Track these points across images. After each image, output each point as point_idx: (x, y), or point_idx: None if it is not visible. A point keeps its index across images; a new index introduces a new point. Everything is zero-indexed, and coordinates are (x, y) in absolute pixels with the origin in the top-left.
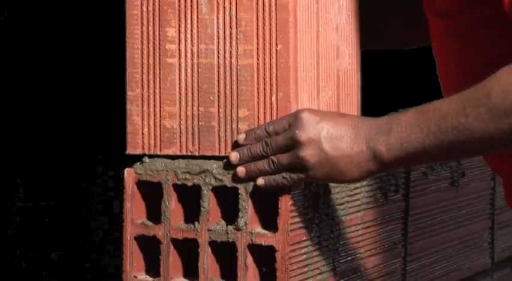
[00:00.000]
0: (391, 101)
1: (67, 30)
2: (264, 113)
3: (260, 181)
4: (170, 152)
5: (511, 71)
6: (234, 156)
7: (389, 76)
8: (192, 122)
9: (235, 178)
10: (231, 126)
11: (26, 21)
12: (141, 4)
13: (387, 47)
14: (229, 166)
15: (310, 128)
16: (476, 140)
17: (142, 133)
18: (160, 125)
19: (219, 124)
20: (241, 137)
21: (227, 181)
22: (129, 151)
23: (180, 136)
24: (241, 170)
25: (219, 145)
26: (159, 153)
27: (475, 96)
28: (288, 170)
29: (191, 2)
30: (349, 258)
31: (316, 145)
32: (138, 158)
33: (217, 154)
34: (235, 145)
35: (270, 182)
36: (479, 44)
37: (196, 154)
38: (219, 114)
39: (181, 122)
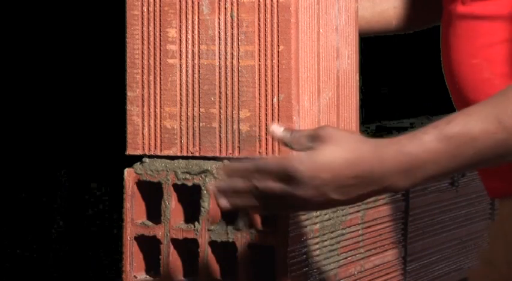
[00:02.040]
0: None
1: (67, 31)
2: (266, 114)
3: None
4: (170, 153)
5: None
6: (215, 191)
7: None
8: (193, 123)
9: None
10: (232, 127)
11: (26, 21)
12: (142, 4)
13: (390, 30)
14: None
15: (312, 188)
16: None
17: (143, 134)
18: (160, 125)
19: (219, 125)
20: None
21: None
22: (129, 151)
23: (181, 137)
24: (223, 203)
25: (220, 146)
26: (159, 154)
27: (507, 108)
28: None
29: (192, 2)
30: (349, 258)
31: (325, 198)
32: (137, 158)
33: (218, 155)
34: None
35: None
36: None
37: (197, 154)
38: (220, 116)
39: (181, 123)
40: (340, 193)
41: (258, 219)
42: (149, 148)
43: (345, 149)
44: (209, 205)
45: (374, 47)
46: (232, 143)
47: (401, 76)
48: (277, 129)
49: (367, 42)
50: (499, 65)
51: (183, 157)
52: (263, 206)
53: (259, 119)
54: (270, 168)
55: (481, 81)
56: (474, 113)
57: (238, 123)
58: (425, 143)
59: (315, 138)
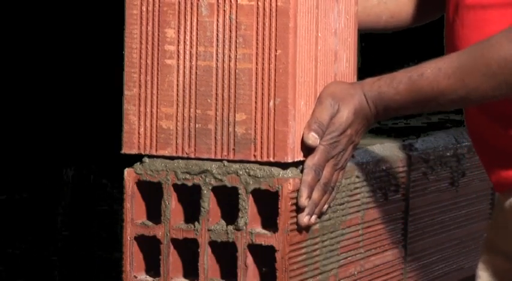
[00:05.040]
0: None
1: (66, 30)
2: (261, 117)
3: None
4: (166, 153)
5: (510, 38)
6: (307, 220)
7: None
8: (189, 124)
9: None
10: (228, 129)
11: (26, 21)
12: (141, 4)
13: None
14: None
15: (349, 132)
16: (471, 103)
17: (139, 133)
18: (156, 125)
19: (215, 127)
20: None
21: (227, 181)
22: (125, 150)
23: (177, 138)
24: (311, 219)
25: (215, 147)
26: (154, 153)
27: (473, 68)
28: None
29: (191, 4)
30: (349, 258)
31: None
32: (136, 158)
33: (213, 156)
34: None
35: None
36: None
37: (193, 156)
38: (216, 117)
39: (178, 124)
40: (359, 133)
41: (258, 219)
42: (145, 148)
43: (351, 104)
44: (209, 205)
45: (373, 49)
46: (228, 145)
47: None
48: (313, 138)
49: (366, 44)
50: None
51: (182, 157)
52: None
53: (255, 122)
54: (320, 162)
55: None
56: (443, 68)
57: (234, 125)
58: (399, 93)
59: (332, 114)
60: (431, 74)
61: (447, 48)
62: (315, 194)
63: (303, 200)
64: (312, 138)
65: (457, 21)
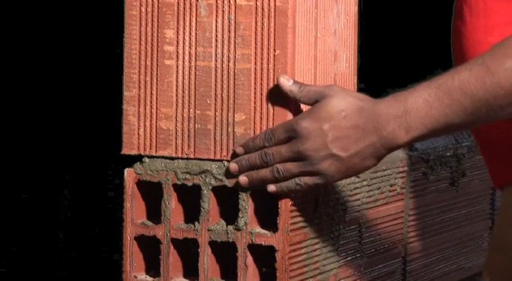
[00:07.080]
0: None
1: (65, 30)
2: (261, 118)
3: (271, 188)
4: (166, 153)
5: None
6: (233, 167)
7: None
8: (188, 125)
9: (239, 187)
10: (227, 130)
11: (25, 21)
12: (140, 5)
13: None
14: (230, 173)
15: (314, 139)
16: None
17: (138, 134)
18: (156, 126)
19: (215, 127)
20: (240, 151)
21: (227, 181)
22: (125, 151)
23: (176, 138)
24: (243, 179)
25: (215, 148)
26: (154, 154)
27: (493, 53)
28: (300, 176)
29: (190, 4)
30: (349, 258)
31: (327, 152)
32: (136, 158)
33: (212, 157)
34: (234, 156)
35: (282, 189)
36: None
37: (192, 156)
38: (215, 118)
39: (177, 124)
40: (339, 146)
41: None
42: (144, 148)
43: (345, 101)
44: (209, 205)
45: (373, 49)
46: (227, 145)
47: (401, 79)
48: (286, 81)
49: (366, 46)
50: None
51: (182, 158)
52: (280, 177)
53: (254, 122)
54: (276, 130)
55: None
56: (465, 64)
57: (234, 126)
58: (416, 90)
59: (322, 94)
60: (451, 70)
61: (454, 37)
62: (251, 155)
63: (238, 148)
64: (283, 80)
65: (465, 9)
